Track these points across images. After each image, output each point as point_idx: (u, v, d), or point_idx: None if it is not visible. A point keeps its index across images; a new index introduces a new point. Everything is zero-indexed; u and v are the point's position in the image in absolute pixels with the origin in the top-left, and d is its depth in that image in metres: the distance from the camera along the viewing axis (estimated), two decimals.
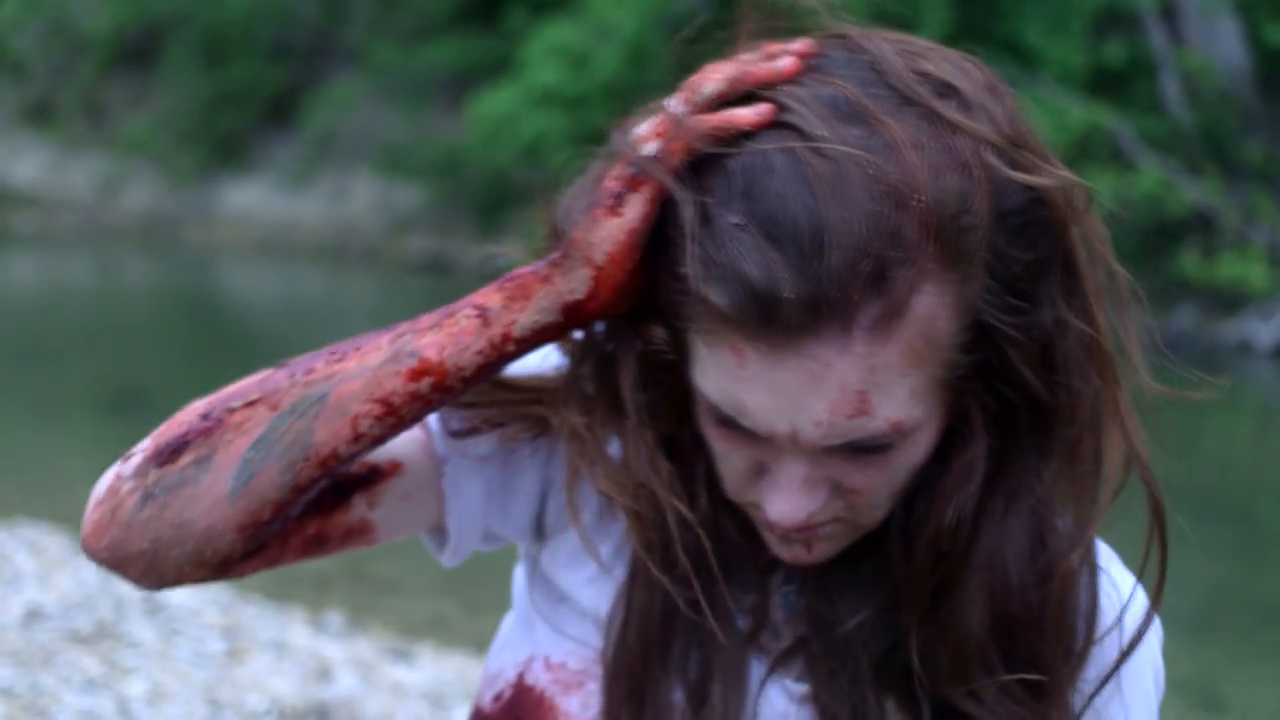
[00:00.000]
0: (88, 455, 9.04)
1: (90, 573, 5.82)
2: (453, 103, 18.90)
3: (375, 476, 1.23)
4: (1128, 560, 1.23)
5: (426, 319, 1.15)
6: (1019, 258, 1.07)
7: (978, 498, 1.13)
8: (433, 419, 1.25)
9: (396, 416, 1.15)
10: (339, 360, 1.16)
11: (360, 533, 1.24)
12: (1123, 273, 1.14)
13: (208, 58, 21.74)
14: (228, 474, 1.15)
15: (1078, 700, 1.17)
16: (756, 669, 1.21)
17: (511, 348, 1.14)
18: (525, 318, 1.13)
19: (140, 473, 1.17)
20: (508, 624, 1.33)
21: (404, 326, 1.16)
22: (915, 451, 1.11)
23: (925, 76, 1.08)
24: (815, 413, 1.05)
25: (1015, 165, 1.07)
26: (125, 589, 5.35)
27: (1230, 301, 13.77)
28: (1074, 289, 1.10)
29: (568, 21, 17.29)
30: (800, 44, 1.11)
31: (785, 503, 1.11)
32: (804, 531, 1.13)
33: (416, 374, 1.14)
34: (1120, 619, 1.17)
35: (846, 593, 1.18)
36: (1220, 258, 13.76)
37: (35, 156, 22.98)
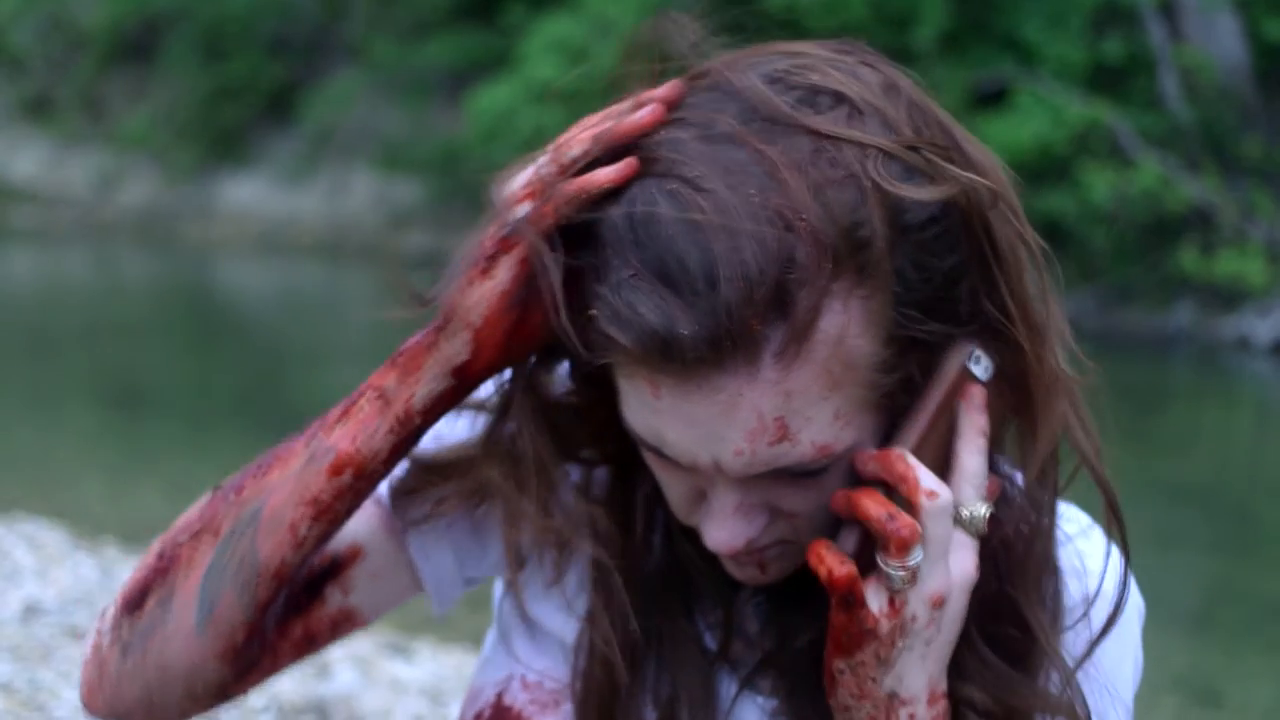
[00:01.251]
0: (86, 450, 9.05)
1: (89, 568, 5.83)
2: (451, 98, 18.88)
3: (338, 566, 1.25)
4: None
5: (334, 412, 1.17)
6: (937, 266, 1.05)
7: None
8: (384, 494, 1.26)
9: (331, 513, 1.17)
10: (265, 474, 1.19)
11: (346, 620, 1.26)
12: (1035, 240, 1.10)
13: (207, 53, 21.72)
14: (190, 609, 1.19)
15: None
16: (730, 685, 1.21)
17: (418, 420, 1.15)
18: (421, 389, 1.14)
19: (116, 626, 1.22)
20: (489, 641, 1.33)
21: (315, 426, 1.18)
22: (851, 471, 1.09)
23: (813, 89, 1.05)
24: (734, 443, 1.04)
25: (910, 168, 1.04)
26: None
27: (1229, 298, 13.76)
28: (993, 282, 1.07)
29: (566, 16, 17.28)
30: (665, 88, 1.09)
31: (720, 530, 1.10)
32: (751, 555, 1.13)
33: (336, 468, 1.15)
34: (1089, 607, 1.16)
35: (804, 604, 1.17)
36: (1219, 254, 13.75)
37: (33, 152, 22.96)
